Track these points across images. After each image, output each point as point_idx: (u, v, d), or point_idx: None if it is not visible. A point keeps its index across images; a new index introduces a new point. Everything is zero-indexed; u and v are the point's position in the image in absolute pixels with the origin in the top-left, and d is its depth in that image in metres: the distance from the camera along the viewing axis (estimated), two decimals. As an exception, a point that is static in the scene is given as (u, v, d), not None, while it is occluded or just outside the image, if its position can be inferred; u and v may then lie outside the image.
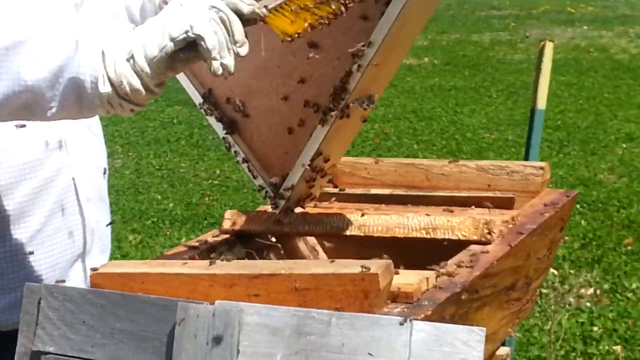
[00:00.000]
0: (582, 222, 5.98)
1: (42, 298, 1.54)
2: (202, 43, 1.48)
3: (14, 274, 1.85)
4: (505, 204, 2.04)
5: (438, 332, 1.40)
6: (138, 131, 9.33)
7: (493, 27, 17.90)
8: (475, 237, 1.84)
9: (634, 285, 4.96)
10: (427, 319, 1.47)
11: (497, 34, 16.86)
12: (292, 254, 2.02)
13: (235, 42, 1.51)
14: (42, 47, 1.53)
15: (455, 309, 1.63)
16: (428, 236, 1.87)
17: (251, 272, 1.54)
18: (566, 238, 5.68)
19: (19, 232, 1.87)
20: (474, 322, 1.78)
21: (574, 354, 4.19)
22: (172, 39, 1.49)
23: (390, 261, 1.54)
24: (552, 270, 5.12)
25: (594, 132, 8.51)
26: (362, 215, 1.93)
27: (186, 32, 1.48)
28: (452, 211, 1.97)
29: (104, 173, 2.07)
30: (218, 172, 7.56)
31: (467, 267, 1.70)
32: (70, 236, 1.94)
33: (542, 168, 2.19)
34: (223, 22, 1.50)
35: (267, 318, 1.42)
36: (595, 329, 4.42)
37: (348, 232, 1.92)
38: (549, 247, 2.14)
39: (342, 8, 1.65)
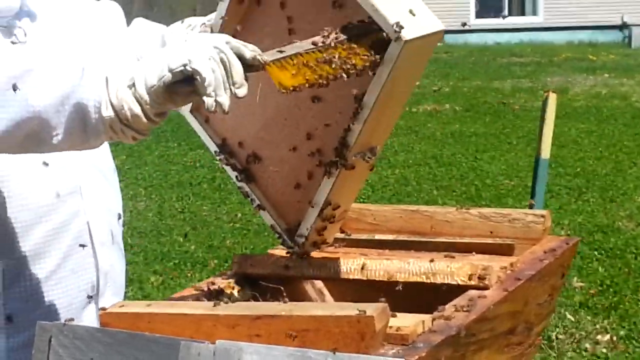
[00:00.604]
0: (600, 268, 6.01)
1: (53, 336, 1.60)
2: (198, 78, 1.56)
3: (28, 314, 1.92)
4: (505, 250, 2.10)
5: (430, 373, 1.46)
6: (161, 174, 9.44)
7: (514, 74, 18.02)
8: (473, 283, 1.89)
9: (651, 333, 4.99)
10: (421, 360, 1.53)
11: (518, 80, 16.97)
12: (300, 297, 2.08)
13: (233, 83, 1.58)
14: (49, 74, 1.62)
15: (452, 351, 1.68)
16: (428, 281, 1.93)
17: (253, 314, 1.60)
18: (583, 284, 5.72)
19: (34, 274, 1.94)
20: (471, 365, 1.83)
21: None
22: (170, 70, 1.57)
23: (386, 304, 1.60)
24: (568, 316, 5.16)
25: (613, 179, 8.55)
26: (365, 260, 1.99)
27: (184, 65, 1.56)
28: (453, 257, 2.03)
29: (119, 218, 2.14)
30: (239, 215, 7.65)
31: (463, 311, 1.76)
32: (84, 279, 2.01)
33: (542, 216, 2.25)
34: (223, 62, 1.58)
35: (266, 357, 1.48)
36: (612, 376, 4.45)
37: (351, 276, 1.98)
38: (550, 293, 2.19)
39: (343, 74, 1.73)
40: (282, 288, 1.85)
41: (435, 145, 10.68)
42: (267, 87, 1.91)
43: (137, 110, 1.59)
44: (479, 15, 26.84)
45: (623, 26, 24.72)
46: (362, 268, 1.98)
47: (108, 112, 1.61)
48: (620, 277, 5.84)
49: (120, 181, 2.19)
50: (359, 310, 1.55)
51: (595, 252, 6.34)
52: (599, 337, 4.91)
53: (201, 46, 1.59)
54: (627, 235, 6.75)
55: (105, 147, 2.10)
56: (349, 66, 1.73)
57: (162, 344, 1.53)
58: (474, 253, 2.08)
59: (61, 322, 1.61)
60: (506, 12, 26.77)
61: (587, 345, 4.78)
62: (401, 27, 1.72)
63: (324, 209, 1.92)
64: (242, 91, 1.60)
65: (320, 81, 1.71)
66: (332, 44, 1.73)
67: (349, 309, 1.57)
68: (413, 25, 1.76)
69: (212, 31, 1.93)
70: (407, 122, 12.59)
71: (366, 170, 1.96)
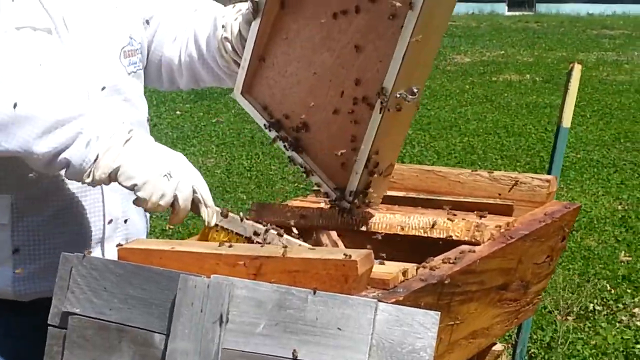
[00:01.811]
0: (652, 245, 6.06)
1: (74, 266, 1.79)
2: (141, 199, 1.88)
3: (33, 248, 2.07)
4: (504, 210, 2.23)
5: (399, 313, 1.61)
6: (234, 132, 9.67)
7: (602, 47, 17.79)
8: (466, 238, 2.04)
9: (688, 310, 5.05)
10: (399, 303, 1.68)
11: (604, 53, 16.77)
12: (316, 245, 2.24)
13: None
14: (51, 128, 1.83)
15: (434, 299, 1.83)
16: (425, 235, 2.07)
17: (251, 254, 1.77)
18: (630, 258, 5.77)
19: (42, 211, 2.07)
20: (457, 314, 1.98)
21: (614, 368, 4.32)
22: (132, 184, 1.87)
23: (371, 251, 1.75)
24: (609, 287, 5.24)
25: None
26: (371, 212, 2.14)
27: (145, 198, 1.88)
28: (455, 215, 2.16)
29: None
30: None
31: (450, 263, 1.90)
32: (90, 222, 2.13)
33: (548, 181, 2.37)
34: (174, 206, 1.90)
35: (253, 292, 1.65)
36: (639, 346, 4.53)
37: (355, 228, 2.13)
38: (548, 254, 2.32)
39: None
40: (292, 228, 2.02)
41: (509, 115, 10.70)
42: (310, 52, 2.07)
43: (108, 183, 1.89)
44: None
45: None
46: (367, 220, 2.12)
47: (88, 179, 1.87)
48: (670, 255, 5.89)
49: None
50: (345, 255, 1.71)
51: (650, 230, 6.39)
52: (636, 310, 4.98)
53: (170, 186, 1.88)
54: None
55: (141, 104, 2.27)
56: None
57: (165, 276, 1.71)
58: (475, 212, 2.21)
59: (81, 253, 1.80)
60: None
61: (623, 317, 4.86)
62: None
63: (371, 158, 2.02)
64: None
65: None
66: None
67: (337, 254, 1.73)
68: None
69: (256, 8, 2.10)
70: (484, 90, 12.62)
71: (408, 118, 2.06)
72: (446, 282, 1.84)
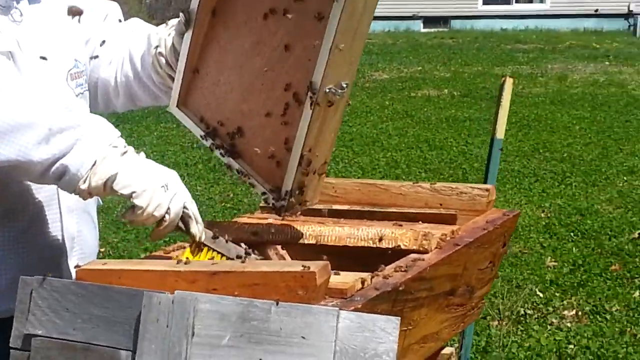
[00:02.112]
0: (574, 249, 6.23)
1: (34, 289, 1.81)
2: (138, 207, 1.92)
3: (3, 264, 2.10)
4: (448, 220, 2.31)
5: (361, 320, 1.67)
6: (158, 154, 9.65)
7: (516, 61, 18.17)
8: (415, 247, 2.10)
9: (614, 308, 5.21)
10: (357, 311, 1.73)
11: (519, 67, 17.13)
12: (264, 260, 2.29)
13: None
14: (50, 135, 1.86)
15: (389, 306, 1.89)
16: (374, 245, 2.14)
17: (210, 270, 1.81)
18: (556, 264, 5.94)
19: (8, 230, 2.11)
20: (410, 320, 2.04)
21: (548, 370, 4.45)
22: (130, 192, 1.90)
23: (328, 262, 1.80)
24: (538, 292, 5.38)
25: (598, 164, 8.76)
26: (320, 227, 2.19)
27: (142, 208, 1.92)
28: (401, 225, 2.23)
29: None
30: (231, 195, 7.86)
31: (402, 271, 1.97)
32: (51, 239, 2.18)
33: (487, 190, 2.46)
34: (163, 220, 1.94)
35: (217, 305, 1.69)
36: (570, 346, 4.67)
37: (306, 241, 2.18)
38: (490, 260, 2.40)
39: None
40: (245, 245, 2.07)
41: (429, 130, 10.88)
42: (242, 58, 2.12)
43: (102, 194, 1.93)
44: (486, 1, 26.93)
45: (629, 15, 24.85)
46: (317, 234, 2.18)
47: (84, 186, 1.90)
48: (592, 257, 6.07)
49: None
50: (303, 267, 1.76)
51: (571, 234, 6.57)
52: (565, 312, 5.14)
53: (165, 200, 1.94)
54: (604, 218, 6.97)
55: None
56: None
57: (128, 295, 1.74)
58: (420, 222, 2.28)
59: (41, 276, 1.82)
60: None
61: (553, 320, 5.00)
62: None
63: (303, 156, 2.06)
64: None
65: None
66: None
67: (294, 266, 1.78)
68: None
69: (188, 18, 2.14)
70: (404, 106, 12.80)
71: (339, 114, 2.11)
72: (400, 288, 1.90)
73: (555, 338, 4.76)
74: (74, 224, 2.22)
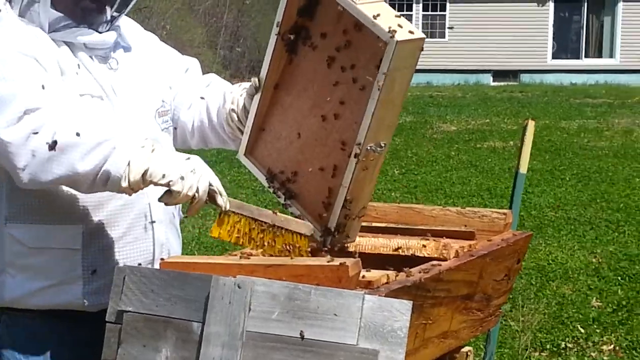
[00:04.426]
0: (619, 291, 6.56)
1: (126, 275, 2.29)
2: (177, 195, 2.35)
3: (104, 266, 2.58)
4: (468, 236, 2.74)
5: (381, 302, 2.12)
6: (231, 197, 10.16)
7: (584, 115, 18.41)
8: (436, 255, 2.55)
9: (651, 344, 5.56)
10: (381, 298, 2.18)
11: (586, 121, 17.38)
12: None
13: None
14: (91, 149, 2.33)
15: (409, 299, 2.32)
16: (403, 253, 2.58)
17: (266, 263, 2.28)
18: (600, 304, 6.28)
19: (106, 237, 2.58)
20: (430, 315, 2.48)
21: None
22: (167, 181, 2.33)
23: (359, 259, 2.26)
24: (579, 328, 5.74)
25: (654, 214, 9.06)
26: (360, 239, 2.64)
27: (179, 192, 2.34)
28: (427, 239, 2.67)
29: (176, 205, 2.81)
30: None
31: (422, 272, 2.41)
32: (143, 246, 2.65)
33: (505, 214, 2.89)
34: (194, 198, 2.36)
35: (269, 288, 2.15)
36: (606, 378, 5.04)
37: (347, 249, 2.63)
38: (506, 273, 2.83)
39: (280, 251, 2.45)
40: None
41: (492, 179, 11.26)
42: (300, 118, 2.58)
43: (142, 187, 2.36)
44: (555, 56, 27.19)
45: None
46: (357, 244, 2.63)
47: (125, 184, 2.35)
48: (636, 299, 6.40)
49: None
50: (340, 262, 2.22)
51: (619, 278, 6.90)
52: (603, 347, 5.49)
53: (193, 181, 2.35)
54: (652, 264, 7.30)
55: (171, 145, 2.79)
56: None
57: (200, 279, 2.21)
58: (444, 237, 2.72)
59: (133, 265, 2.30)
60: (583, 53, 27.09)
61: (592, 354, 5.36)
62: (394, 32, 2.35)
63: (346, 200, 2.48)
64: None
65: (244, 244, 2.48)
66: (277, 226, 2.44)
67: (333, 261, 2.24)
68: (401, 32, 2.37)
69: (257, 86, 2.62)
70: (469, 156, 13.19)
71: (377, 167, 2.52)
72: (420, 281, 2.33)
73: (592, 370, 5.13)
74: (162, 234, 2.69)
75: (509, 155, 13.29)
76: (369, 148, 2.44)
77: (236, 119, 2.73)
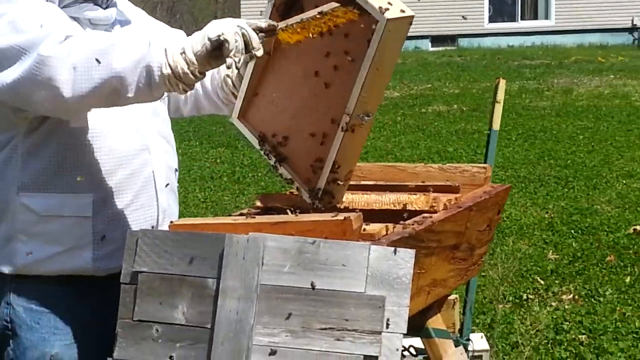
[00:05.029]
0: (574, 243, 6.81)
1: (139, 238, 2.41)
2: (226, 45, 2.37)
3: (113, 232, 2.72)
4: (453, 190, 2.89)
5: (385, 252, 2.26)
6: (185, 169, 10.25)
7: (524, 76, 18.71)
8: (426, 208, 2.70)
9: (607, 292, 5.80)
10: (383, 249, 2.32)
11: (526, 82, 17.68)
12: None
13: (253, 48, 2.40)
14: (127, 47, 2.40)
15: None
16: (395, 208, 2.73)
17: (272, 221, 2.41)
18: (557, 257, 6.52)
19: (115, 205, 2.69)
20: (423, 265, 2.63)
21: (546, 341, 5.02)
22: (209, 39, 2.37)
23: (361, 213, 2.40)
24: (539, 279, 5.96)
25: (599, 170, 9.33)
26: (352, 195, 2.78)
27: (218, 36, 2.37)
28: (415, 194, 2.82)
29: (175, 171, 2.92)
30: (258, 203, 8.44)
31: (416, 224, 2.56)
32: (149, 212, 2.77)
33: (484, 168, 3.05)
34: (243, 35, 2.39)
35: (280, 243, 2.29)
36: (566, 323, 5.26)
37: (340, 206, 2.77)
38: (487, 224, 2.99)
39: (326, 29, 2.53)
40: (292, 208, 2.65)
41: (440, 142, 11.47)
42: (294, 86, 2.70)
43: (187, 69, 2.39)
44: (492, 19, 27.45)
45: (633, 29, 25.40)
46: (350, 200, 2.77)
47: (167, 70, 2.39)
48: (590, 250, 6.66)
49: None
50: (344, 216, 2.36)
51: (572, 231, 7.16)
52: (563, 296, 5.73)
53: (229, 25, 2.40)
54: (602, 216, 7.57)
55: (167, 120, 2.90)
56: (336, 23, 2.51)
57: (214, 238, 2.34)
58: (431, 191, 2.86)
59: (145, 229, 2.42)
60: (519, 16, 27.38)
61: (552, 303, 5.59)
62: (386, 9, 2.48)
63: (335, 164, 2.60)
64: (259, 52, 2.43)
65: (315, 35, 2.52)
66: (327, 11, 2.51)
67: (337, 216, 2.38)
68: (392, 10, 2.50)
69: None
70: (416, 121, 13.39)
71: (364, 135, 2.66)
72: (415, 232, 2.48)
73: (553, 316, 5.35)
74: (165, 200, 2.81)
75: (454, 118, 13.52)
76: (357, 117, 2.57)
77: (230, 84, 2.84)
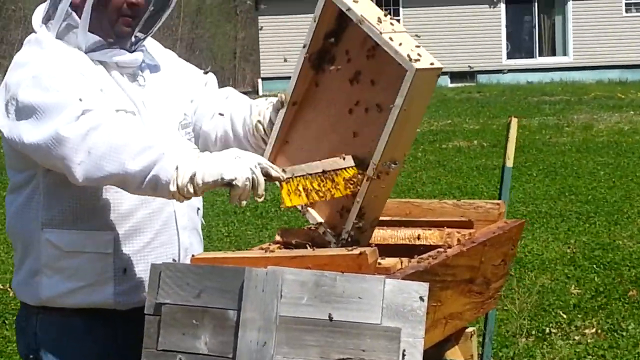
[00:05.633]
0: (596, 278, 6.86)
1: (162, 271, 2.49)
2: (236, 186, 2.50)
3: (134, 268, 2.78)
4: (467, 225, 2.96)
5: (400, 285, 2.34)
6: (208, 204, 10.36)
7: (543, 112, 18.79)
8: (441, 243, 2.77)
9: (630, 326, 5.84)
10: (398, 282, 2.40)
11: (545, 118, 17.75)
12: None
13: (257, 194, 2.55)
14: (141, 149, 2.51)
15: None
16: (410, 243, 2.80)
17: (290, 255, 2.49)
18: (579, 291, 6.57)
19: (136, 243, 2.79)
20: (439, 298, 2.70)
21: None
22: (222, 179, 2.50)
23: (376, 248, 2.48)
24: (562, 314, 6.02)
25: (620, 205, 9.37)
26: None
27: (231, 180, 2.49)
28: (430, 229, 2.90)
29: (198, 210, 3.01)
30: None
31: (431, 258, 2.64)
32: (169, 251, 2.85)
33: (498, 204, 3.12)
34: (253, 181, 2.52)
35: (298, 276, 2.36)
36: (589, 357, 5.31)
37: (358, 242, 2.85)
38: (502, 258, 3.06)
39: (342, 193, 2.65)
40: (310, 243, 2.73)
41: (461, 178, 11.54)
42: (322, 134, 2.77)
43: (192, 191, 2.52)
44: (510, 56, 27.56)
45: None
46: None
47: (173, 188, 2.52)
48: (612, 285, 6.70)
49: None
50: (359, 251, 2.44)
51: (594, 266, 7.20)
52: (586, 331, 5.78)
53: (244, 169, 2.51)
54: (624, 252, 7.60)
55: None
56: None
57: (234, 271, 2.42)
58: (445, 227, 2.94)
59: (167, 262, 2.51)
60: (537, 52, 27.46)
61: (575, 337, 5.64)
62: (415, 60, 2.56)
63: (361, 209, 2.67)
64: (260, 200, 2.58)
65: (317, 199, 2.66)
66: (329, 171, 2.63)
67: (353, 250, 2.46)
68: (422, 61, 2.58)
69: (282, 105, 2.80)
70: (436, 157, 13.48)
71: (391, 183, 2.74)
72: (430, 266, 2.56)
73: (576, 350, 5.39)
74: (187, 239, 2.89)
75: (475, 154, 13.59)
76: (384, 165, 2.64)
77: (262, 130, 2.90)
